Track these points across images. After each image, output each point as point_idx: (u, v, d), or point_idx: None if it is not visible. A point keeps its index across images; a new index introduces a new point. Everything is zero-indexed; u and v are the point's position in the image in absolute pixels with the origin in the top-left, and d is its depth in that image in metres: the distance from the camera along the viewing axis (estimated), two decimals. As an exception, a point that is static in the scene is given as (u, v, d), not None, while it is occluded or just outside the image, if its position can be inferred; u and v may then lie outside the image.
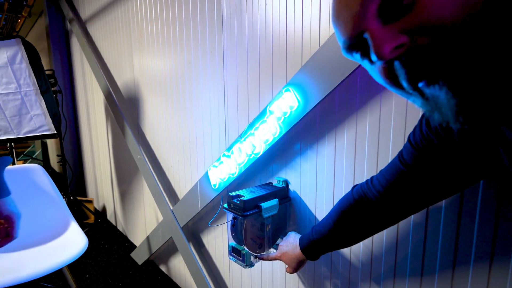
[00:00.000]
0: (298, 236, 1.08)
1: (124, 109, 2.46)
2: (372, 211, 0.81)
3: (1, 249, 1.68)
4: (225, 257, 1.70)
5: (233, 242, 1.20)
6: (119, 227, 3.02)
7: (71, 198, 2.91)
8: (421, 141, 0.68)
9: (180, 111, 1.84)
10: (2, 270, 1.47)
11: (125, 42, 2.31)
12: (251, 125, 1.27)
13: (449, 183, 0.69)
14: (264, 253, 1.21)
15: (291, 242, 1.07)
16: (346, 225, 0.87)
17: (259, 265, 1.47)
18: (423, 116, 0.69)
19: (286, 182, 1.28)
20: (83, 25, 3.00)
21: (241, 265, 1.17)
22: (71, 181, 3.77)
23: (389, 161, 0.97)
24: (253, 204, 1.14)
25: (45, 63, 3.88)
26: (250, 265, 1.17)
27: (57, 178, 3.84)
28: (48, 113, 2.11)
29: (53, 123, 2.13)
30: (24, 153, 5.63)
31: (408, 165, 0.71)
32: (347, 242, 0.92)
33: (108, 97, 2.53)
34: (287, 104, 1.10)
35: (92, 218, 3.13)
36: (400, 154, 0.74)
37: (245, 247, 1.15)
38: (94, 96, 3.04)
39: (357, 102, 1.02)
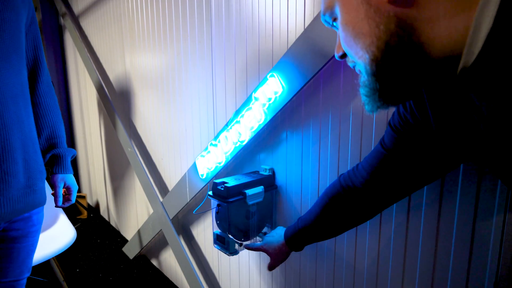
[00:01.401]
0: (285, 229, 1.08)
1: (115, 102, 2.45)
2: (358, 197, 0.80)
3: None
4: (214, 248, 1.69)
5: (217, 230, 1.19)
6: (112, 223, 3.00)
7: (64, 193, 2.89)
8: (399, 123, 0.68)
9: (170, 103, 1.83)
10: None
11: (117, 35, 2.30)
12: (237, 112, 1.26)
13: (430, 164, 0.69)
14: (249, 241, 1.20)
15: (277, 233, 1.06)
16: (333, 212, 0.85)
17: (247, 256, 1.46)
18: None
19: (273, 170, 1.26)
20: (75, 20, 2.99)
21: (225, 253, 1.16)
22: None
23: (372, 144, 0.96)
24: (238, 191, 1.13)
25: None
26: (235, 252, 1.16)
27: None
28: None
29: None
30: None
31: (389, 149, 0.71)
32: (333, 231, 0.90)
33: (100, 91, 2.52)
34: (272, 90, 1.09)
35: (85, 214, 3.12)
36: (382, 139, 0.74)
37: (229, 235, 1.14)
38: (87, 90, 3.03)
39: (341, 85, 1.01)
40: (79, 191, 3.67)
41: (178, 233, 1.95)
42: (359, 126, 0.98)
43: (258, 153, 1.33)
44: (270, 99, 1.10)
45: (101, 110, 2.82)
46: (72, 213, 3.09)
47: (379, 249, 1.00)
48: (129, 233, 2.66)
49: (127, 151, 2.19)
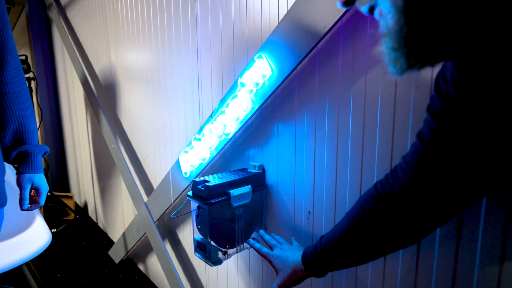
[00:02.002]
0: (297, 243, 0.94)
1: (101, 96, 2.30)
2: (397, 207, 0.60)
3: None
4: (202, 254, 1.54)
5: (198, 236, 1.04)
6: (100, 224, 2.85)
7: (48, 193, 2.74)
8: (440, 105, 0.51)
9: (154, 94, 1.68)
10: None
11: (101, 25, 2.15)
12: (222, 101, 1.11)
13: (485, 160, 0.48)
14: (234, 249, 1.05)
15: (294, 246, 0.91)
16: (368, 228, 0.65)
17: (236, 263, 1.31)
18: (437, 76, 0.53)
19: (262, 167, 1.11)
20: (62, 11, 2.84)
21: (206, 263, 1.01)
22: (46, 173, 3.60)
23: (377, 136, 0.81)
24: (221, 191, 0.98)
25: (27, 52, 3.71)
26: (218, 262, 1.01)
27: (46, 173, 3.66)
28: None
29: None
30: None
31: (431, 142, 0.54)
32: (368, 254, 0.68)
33: (85, 84, 2.37)
34: (260, 73, 0.94)
35: (71, 215, 2.97)
36: (420, 131, 0.57)
37: (211, 242, 0.99)
38: (74, 85, 2.88)
39: (340, 66, 0.86)
40: (66, 191, 3.53)
41: (164, 237, 1.80)
42: (361, 115, 0.83)
43: (247, 148, 1.18)
44: (257, 84, 0.95)
45: (87, 105, 2.67)
46: (58, 214, 2.94)
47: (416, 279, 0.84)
48: (116, 236, 2.51)
49: (111, 148, 2.04)
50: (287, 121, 1.02)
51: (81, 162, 3.06)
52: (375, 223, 0.64)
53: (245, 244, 1.09)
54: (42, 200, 1.02)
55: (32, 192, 1.02)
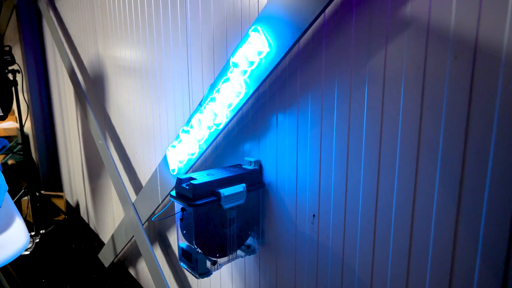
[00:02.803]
0: None
1: (89, 90, 2.15)
2: None
3: None
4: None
5: (184, 243, 0.88)
6: (91, 225, 2.71)
7: (37, 193, 2.60)
8: None
9: (143, 86, 1.52)
10: None
11: (88, 13, 2.00)
12: (213, 86, 0.95)
13: None
14: (226, 257, 0.90)
15: None
16: None
17: (229, 272, 1.16)
18: None
19: (259, 163, 0.96)
20: (51, 1, 2.69)
21: (193, 274, 0.85)
22: (36, 172, 3.46)
23: (400, 122, 0.65)
24: (209, 190, 0.82)
25: (18, 46, 3.57)
26: (205, 274, 0.86)
27: (35, 172, 3.53)
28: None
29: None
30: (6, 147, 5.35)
31: None
32: None
33: (72, 77, 2.22)
34: (255, 50, 0.79)
35: (61, 215, 2.83)
36: None
37: (198, 250, 0.84)
38: (64, 79, 2.73)
39: (353, 37, 0.70)
40: (59, 190, 3.38)
41: (154, 240, 1.66)
42: (378, 97, 0.68)
43: (242, 142, 1.03)
44: (252, 63, 0.80)
45: (78, 100, 2.52)
46: (48, 214, 2.80)
47: None
48: (106, 237, 2.36)
49: (98, 144, 1.89)
50: (287, 108, 0.87)
51: (72, 160, 2.92)
52: None
53: (239, 252, 0.94)
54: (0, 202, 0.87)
55: None
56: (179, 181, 0.84)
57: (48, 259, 2.21)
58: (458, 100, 0.56)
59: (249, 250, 0.96)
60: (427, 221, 0.64)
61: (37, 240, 2.44)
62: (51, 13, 2.63)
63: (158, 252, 1.63)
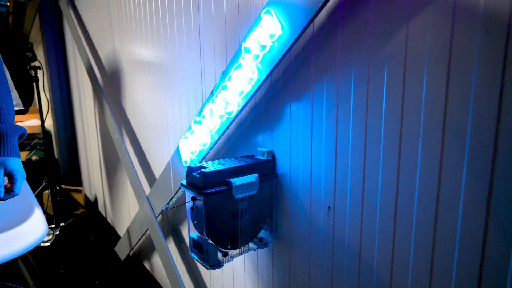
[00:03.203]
0: None
1: (106, 85, 2.18)
2: None
3: None
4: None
5: (195, 233, 0.87)
6: (108, 219, 2.76)
7: (57, 187, 2.67)
8: None
9: (157, 80, 1.52)
10: None
11: (105, 10, 2.03)
12: (224, 74, 0.93)
13: None
14: (237, 250, 0.87)
15: None
16: None
17: (242, 264, 1.14)
18: None
19: (272, 154, 0.93)
20: (71, 0, 2.76)
21: (203, 266, 0.84)
22: (57, 167, 3.56)
23: (423, 106, 0.61)
24: (220, 179, 0.80)
25: (40, 46, 3.68)
26: (217, 265, 0.84)
27: (56, 167, 3.64)
28: (14, 86, 1.84)
29: (20, 98, 1.87)
30: (31, 144, 5.55)
31: None
32: None
33: (90, 73, 2.26)
34: (267, 33, 0.76)
35: (80, 209, 2.90)
36: None
37: (209, 240, 0.82)
38: (83, 75, 2.80)
39: (370, 18, 0.66)
40: (78, 184, 3.47)
41: (167, 234, 1.66)
42: (399, 80, 0.63)
43: (254, 133, 1.00)
44: (264, 47, 0.77)
45: (95, 96, 2.57)
46: (68, 208, 2.88)
47: None
48: (122, 231, 2.40)
49: (114, 138, 1.91)
50: (302, 95, 0.83)
51: (90, 155, 2.98)
52: None
53: (251, 245, 0.91)
54: (17, 189, 0.88)
55: (6, 181, 0.89)
56: (190, 170, 0.82)
57: (67, 251, 2.26)
58: (489, 79, 0.51)
59: (261, 243, 0.93)
60: (453, 214, 0.59)
61: (57, 233, 2.51)
62: (71, 12, 2.69)
63: (171, 246, 1.63)
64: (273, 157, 0.93)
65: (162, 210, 1.44)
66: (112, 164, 2.43)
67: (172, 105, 1.42)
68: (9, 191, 0.88)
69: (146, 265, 2.03)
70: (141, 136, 1.82)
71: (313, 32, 0.77)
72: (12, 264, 1.50)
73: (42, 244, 2.35)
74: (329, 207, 0.81)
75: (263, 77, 0.81)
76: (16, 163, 0.88)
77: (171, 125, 1.45)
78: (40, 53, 3.50)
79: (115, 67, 2.01)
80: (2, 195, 0.86)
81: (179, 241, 1.58)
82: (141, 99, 1.72)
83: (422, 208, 0.63)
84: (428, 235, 0.62)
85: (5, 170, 0.86)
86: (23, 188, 1.79)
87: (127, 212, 2.25)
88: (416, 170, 0.63)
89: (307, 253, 0.88)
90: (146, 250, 2.00)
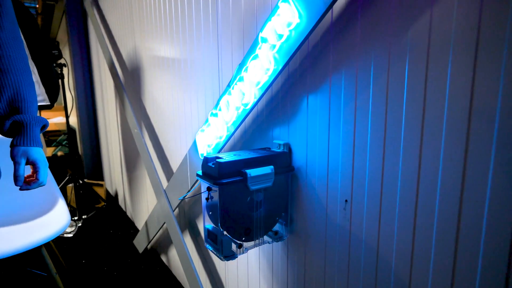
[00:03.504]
0: None
1: (127, 82, 2.24)
2: None
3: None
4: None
5: (210, 224, 0.87)
6: (128, 213, 2.83)
7: (80, 181, 2.77)
8: None
9: (175, 74, 1.54)
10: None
11: (126, 8, 2.08)
12: (241, 66, 0.93)
13: None
14: (252, 242, 0.87)
15: None
16: None
17: (256, 258, 1.13)
18: None
19: (288, 146, 0.92)
20: (95, 0, 2.85)
21: (218, 256, 0.83)
22: (80, 162, 3.68)
23: (447, 96, 0.58)
24: (235, 170, 0.80)
25: (66, 47, 3.82)
26: (231, 257, 0.83)
27: (79, 162, 3.78)
28: (41, 82, 1.93)
29: (46, 94, 1.96)
30: (57, 140, 5.79)
31: None
32: None
33: (112, 70, 2.33)
34: (285, 22, 0.74)
35: (101, 203, 2.99)
36: None
37: (223, 231, 0.82)
38: (106, 73, 2.88)
39: (392, 2, 0.63)
40: (99, 179, 3.58)
41: (184, 228, 1.68)
42: (421, 67, 0.60)
43: (271, 126, 0.99)
44: (281, 36, 0.76)
45: (117, 93, 2.64)
46: (90, 201, 2.98)
47: None
48: (141, 225, 2.45)
49: (133, 133, 1.96)
50: (319, 86, 0.81)
51: (111, 151, 3.07)
52: None
53: (265, 238, 0.91)
54: (42, 177, 0.91)
55: (31, 171, 0.93)
56: (206, 160, 0.82)
57: (88, 242, 2.34)
58: (521, 62, 0.48)
59: (276, 236, 0.92)
60: (479, 208, 0.55)
61: (80, 225, 2.60)
62: (95, 12, 2.78)
63: (188, 239, 1.65)
64: (289, 150, 0.92)
65: (179, 200, 1.45)
66: (132, 160, 2.49)
67: (190, 99, 1.43)
68: (35, 181, 0.91)
69: (163, 258, 2.07)
70: (159, 131, 1.85)
71: (332, 21, 0.75)
72: (37, 252, 1.56)
73: (65, 235, 2.44)
74: (346, 201, 0.79)
75: (280, 67, 0.80)
76: (38, 153, 0.92)
77: (188, 119, 1.47)
78: (66, 53, 3.64)
79: (136, 64, 2.06)
80: (21, 183, 0.88)
81: (195, 235, 1.60)
82: (160, 94, 1.74)
83: (445, 202, 0.60)
84: (451, 231, 0.59)
85: (28, 159, 0.89)
86: (48, 180, 1.85)
87: (145, 206, 2.29)
88: (439, 162, 0.60)
89: (323, 248, 0.87)
90: (163, 244, 2.03)
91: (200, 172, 0.85)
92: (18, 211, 1.70)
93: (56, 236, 1.47)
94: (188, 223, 1.65)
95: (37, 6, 4.91)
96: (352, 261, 0.80)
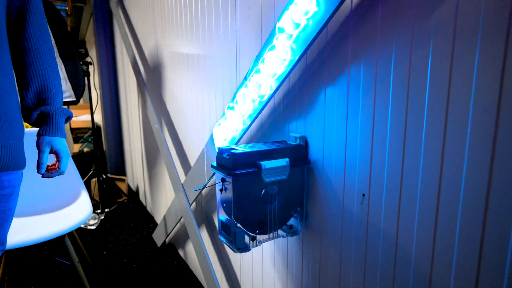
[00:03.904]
0: None
1: (148, 79, 2.29)
2: None
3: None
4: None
5: (224, 216, 0.87)
6: (148, 207, 2.90)
7: (103, 176, 2.86)
8: None
9: (194, 69, 1.56)
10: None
11: (149, 6, 2.13)
12: (258, 58, 0.92)
13: None
14: (266, 235, 0.85)
15: None
16: None
17: (271, 253, 1.12)
18: None
19: (305, 139, 0.90)
20: (120, 1, 2.94)
21: (231, 248, 0.83)
22: (104, 158, 3.80)
23: (474, 83, 0.54)
24: (250, 162, 0.79)
25: (93, 48, 3.97)
26: (244, 249, 0.83)
27: (103, 158, 3.91)
28: (68, 79, 2.01)
29: (72, 90, 2.03)
30: (83, 137, 6.04)
31: None
32: None
33: (134, 67, 2.39)
34: (302, 10, 0.73)
35: (123, 197, 3.07)
36: None
37: (237, 224, 0.81)
38: (129, 71, 2.97)
39: (415, -12, 0.60)
40: (121, 174, 3.69)
41: (201, 222, 1.69)
42: (447, 53, 0.57)
43: (287, 119, 0.98)
44: (298, 25, 0.74)
45: (139, 90, 2.71)
46: (112, 195, 3.07)
47: None
48: (160, 219, 2.50)
49: (153, 128, 2.00)
50: (337, 77, 0.79)
51: (133, 148, 3.16)
52: None
53: (280, 231, 0.89)
54: (63, 166, 0.95)
55: (54, 161, 0.97)
56: (220, 151, 0.82)
57: (109, 235, 2.41)
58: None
59: (291, 231, 0.91)
60: (507, 203, 0.52)
61: (102, 217, 2.69)
62: (120, 11, 2.86)
63: (204, 234, 1.66)
64: (306, 143, 0.90)
65: (196, 194, 1.46)
66: (152, 156, 2.54)
67: (208, 94, 1.44)
68: (56, 169, 0.95)
69: (181, 252, 2.09)
70: (178, 126, 1.87)
71: (351, 9, 0.73)
72: (60, 242, 1.63)
73: (88, 227, 2.53)
74: (363, 195, 0.76)
75: (297, 57, 0.78)
76: (61, 143, 0.95)
77: (206, 114, 1.48)
78: (92, 52, 3.78)
79: (157, 61, 2.10)
80: (43, 171, 0.92)
81: (211, 229, 1.61)
82: (179, 90, 1.77)
83: (470, 196, 0.56)
84: (476, 227, 0.56)
85: (52, 149, 0.93)
86: (73, 174, 1.92)
87: (164, 201, 2.33)
88: (463, 155, 0.56)
89: (339, 244, 0.84)
90: (181, 238, 2.06)
91: (215, 164, 0.85)
92: (44, 202, 1.78)
93: (78, 226, 1.53)
94: (205, 218, 1.66)
95: (67, 8, 5.13)
96: (369, 257, 0.77)
